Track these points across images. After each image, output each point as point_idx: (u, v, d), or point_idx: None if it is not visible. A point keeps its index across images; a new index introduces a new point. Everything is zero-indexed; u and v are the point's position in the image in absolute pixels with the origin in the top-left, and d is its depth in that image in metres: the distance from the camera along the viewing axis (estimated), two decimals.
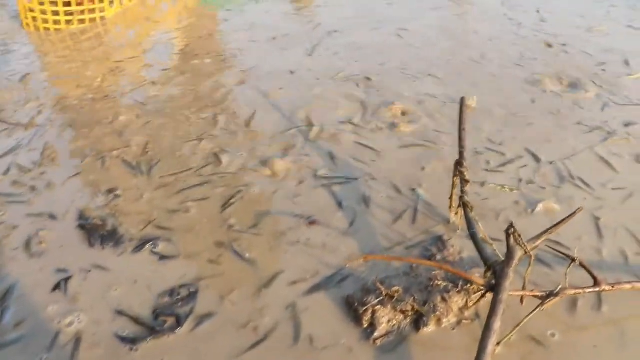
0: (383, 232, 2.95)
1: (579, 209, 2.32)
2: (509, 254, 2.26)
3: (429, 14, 6.29)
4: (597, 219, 3.03)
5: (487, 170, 3.43)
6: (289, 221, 3.03)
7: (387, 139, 3.79)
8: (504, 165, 3.48)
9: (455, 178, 2.72)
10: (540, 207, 3.11)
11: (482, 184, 3.28)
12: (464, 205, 2.62)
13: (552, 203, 3.13)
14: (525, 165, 3.48)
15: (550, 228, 2.33)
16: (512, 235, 2.27)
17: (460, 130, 2.80)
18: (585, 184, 3.31)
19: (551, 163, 3.50)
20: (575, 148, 3.66)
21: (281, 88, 4.53)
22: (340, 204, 3.16)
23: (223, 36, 5.83)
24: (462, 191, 2.66)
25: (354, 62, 5.03)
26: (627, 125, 3.93)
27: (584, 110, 4.15)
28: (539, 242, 2.33)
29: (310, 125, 3.96)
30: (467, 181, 2.67)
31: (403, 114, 4.11)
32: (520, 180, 3.33)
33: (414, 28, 5.86)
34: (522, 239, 2.26)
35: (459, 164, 2.71)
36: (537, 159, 3.54)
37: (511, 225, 2.27)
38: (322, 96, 4.39)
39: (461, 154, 2.74)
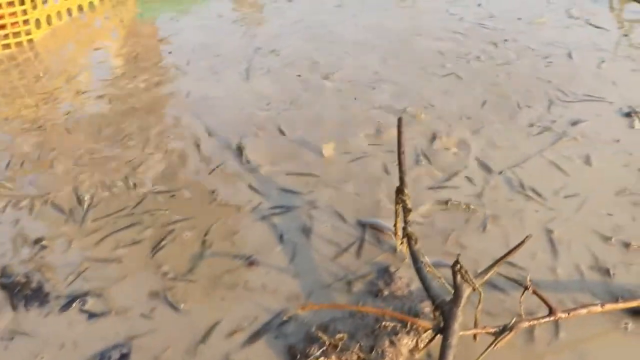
0: (325, 265, 2.77)
1: (527, 237, 2.17)
2: (457, 293, 2.11)
3: (370, 15, 6.12)
4: (550, 232, 2.91)
5: (434, 187, 3.28)
6: (225, 262, 2.83)
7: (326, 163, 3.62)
8: (451, 178, 3.34)
9: (397, 206, 2.55)
10: (491, 224, 2.96)
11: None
12: (407, 237, 2.45)
13: (504, 219, 2.99)
14: (476, 177, 3.34)
15: (498, 260, 2.18)
16: (458, 272, 2.11)
17: (399, 153, 2.62)
18: (537, 193, 3.18)
19: (501, 173, 3.37)
20: (525, 153, 3.55)
21: (217, 115, 4.26)
22: (280, 237, 2.97)
23: (158, 56, 5.54)
24: (405, 221, 2.48)
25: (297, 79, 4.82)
26: (574, 123, 3.83)
27: (531, 109, 4.05)
28: (487, 276, 2.18)
29: (251, 155, 3.74)
30: (409, 210, 2.49)
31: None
32: (470, 195, 3.19)
33: (356, 32, 5.69)
34: (469, 275, 2.10)
35: (399, 191, 2.53)
36: (487, 169, 3.40)
37: (457, 261, 2.11)
38: (264, 123, 4.15)
39: (402, 179, 2.56)
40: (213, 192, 3.36)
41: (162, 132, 4.05)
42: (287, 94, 4.49)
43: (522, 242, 2.14)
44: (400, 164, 2.61)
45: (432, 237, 2.89)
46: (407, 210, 2.48)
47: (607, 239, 2.86)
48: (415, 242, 2.40)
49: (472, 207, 3.10)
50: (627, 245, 2.81)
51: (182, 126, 4.13)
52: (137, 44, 5.82)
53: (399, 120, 2.67)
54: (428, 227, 2.96)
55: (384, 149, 3.64)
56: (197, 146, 3.84)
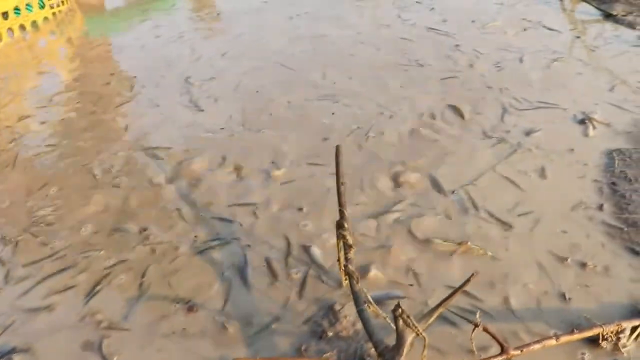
0: (267, 305, 2.61)
1: (473, 274, 2.03)
2: (399, 340, 1.96)
3: (320, 25, 5.98)
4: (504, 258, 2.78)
5: (385, 211, 3.14)
6: (163, 307, 2.65)
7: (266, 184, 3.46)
8: (400, 202, 3.20)
9: (338, 241, 2.39)
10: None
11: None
12: (348, 276, 2.30)
13: (460, 246, 2.86)
14: (427, 198, 3.21)
15: (443, 301, 2.04)
16: (400, 317, 1.97)
17: (338, 184, 2.46)
18: (490, 214, 3.05)
19: (453, 192, 3.23)
20: (478, 169, 3.42)
21: (162, 153, 3.95)
22: (221, 275, 2.80)
23: (104, 77, 5.30)
24: (346, 258, 2.33)
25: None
26: (528, 133, 3.73)
27: (484, 119, 3.93)
28: (431, 319, 2.04)
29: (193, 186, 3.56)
30: (350, 246, 2.34)
31: None
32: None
33: (304, 44, 5.55)
34: (411, 320, 1.96)
35: (339, 225, 2.38)
36: (439, 189, 3.27)
37: (398, 305, 1.97)
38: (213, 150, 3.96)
39: (342, 213, 2.40)
40: (146, 229, 3.16)
41: (103, 163, 3.84)
42: (238, 117, 4.31)
43: (468, 281, 2.01)
44: (339, 195, 2.45)
45: (388, 266, 2.75)
46: (348, 247, 2.33)
47: (562, 259, 2.75)
48: (357, 281, 2.25)
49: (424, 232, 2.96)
50: (583, 265, 2.70)
51: (124, 157, 3.91)
52: (82, 66, 5.60)
53: (337, 148, 2.51)
54: (378, 254, 2.82)
55: (331, 171, 3.49)
56: (138, 180, 3.63)
